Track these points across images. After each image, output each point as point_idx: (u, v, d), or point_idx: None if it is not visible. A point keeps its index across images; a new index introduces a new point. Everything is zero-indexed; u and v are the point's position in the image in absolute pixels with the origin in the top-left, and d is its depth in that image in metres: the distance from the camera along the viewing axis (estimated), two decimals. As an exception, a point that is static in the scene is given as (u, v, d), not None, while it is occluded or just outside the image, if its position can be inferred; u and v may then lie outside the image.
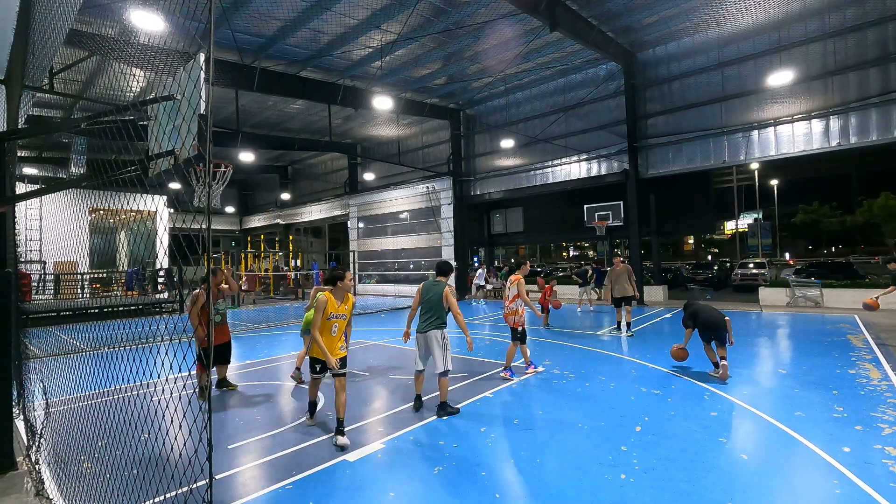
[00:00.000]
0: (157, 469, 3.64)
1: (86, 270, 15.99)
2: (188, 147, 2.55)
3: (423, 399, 5.65)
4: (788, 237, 54.53)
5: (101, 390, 3.83)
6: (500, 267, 27.15)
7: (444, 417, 5.25)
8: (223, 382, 6.62)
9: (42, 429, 4.48)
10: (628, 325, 10.31)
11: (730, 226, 57.80)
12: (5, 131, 4.34)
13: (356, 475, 3.89)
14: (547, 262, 53.91)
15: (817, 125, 13.82)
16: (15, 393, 4.48)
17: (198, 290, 6.15)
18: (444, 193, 22.09)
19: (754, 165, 31.94)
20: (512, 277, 6.97)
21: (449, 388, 5.55)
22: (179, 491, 3.21)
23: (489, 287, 20.61)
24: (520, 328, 6.90)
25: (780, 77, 13.47)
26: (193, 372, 5.61)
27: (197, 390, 5.84)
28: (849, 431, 4.51)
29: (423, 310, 5.46)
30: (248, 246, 37.87)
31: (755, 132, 14.81)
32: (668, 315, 13.54)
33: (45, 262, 16.68)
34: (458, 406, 5.56)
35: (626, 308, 10.46)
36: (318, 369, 4.91)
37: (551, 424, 4.96)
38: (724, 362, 6.52)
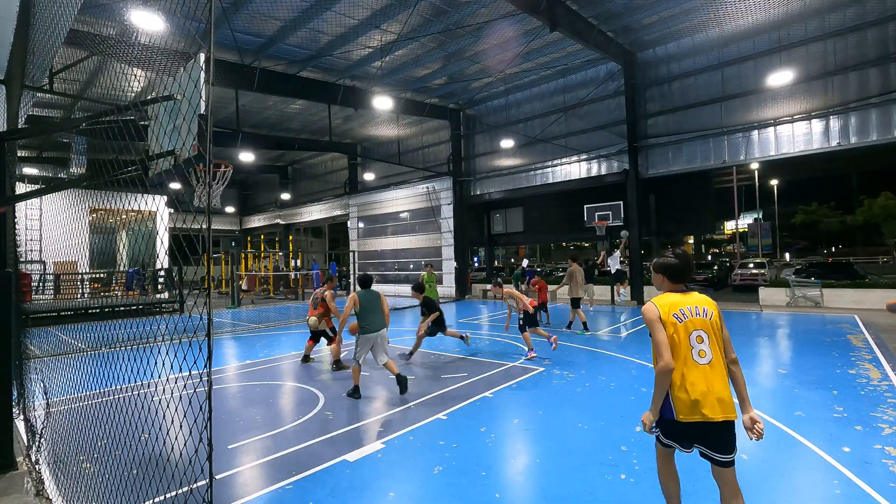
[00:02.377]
0: (157, 469, 3.64)
1: (86, 270, 15.99)
2: (188, 147, 2.55)
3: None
4: (789, 237, 54.49)
5: (101, 390, 3.83)
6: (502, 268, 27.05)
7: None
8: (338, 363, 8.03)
9: (42, 429, 4.47)
10: (584, 324, 11.04)
11: (730, 226, 57.80)
12: (5, 131, 4.34)
13: (356, 475, 3.89)
14: (545, 263, 53.87)
15: (817, 125, 13.83)
16: (15, 393, 4.47)
17: (327, 291, 8.21)
18: (444, 193, 22.08)
19: (754, 165, 31.93)
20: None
21: (454, 385, 5.53)
22: (179, 491, 3.21)
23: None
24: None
25: (780, 77, 13.48)
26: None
27: (333, 363, 7.93)
28: (849, 431, 4.51)
29: (370, 312, 6.14)
30: (248, 246, 37.85)
31: (755, 132, 14.81)
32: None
33: (45, 262, 16.67)
34: (460, 405, 5.57)
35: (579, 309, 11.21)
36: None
37: (551, 424, 4.96)
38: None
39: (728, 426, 2.62)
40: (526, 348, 8.31)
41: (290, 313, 16.62)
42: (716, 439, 2.61)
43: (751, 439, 2.65)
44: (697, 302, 2.69)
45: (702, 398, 2.56)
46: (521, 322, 8.36)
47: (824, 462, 3.90)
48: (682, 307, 2.66)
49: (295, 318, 14.88)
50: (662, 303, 2.72)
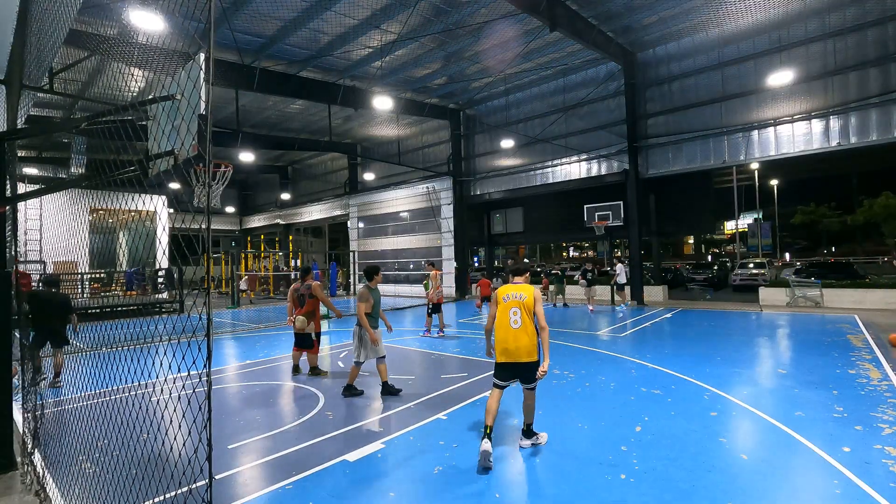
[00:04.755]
0: (157, 469, 3.64)
1: (86, 270, 16.00)
2: (188, 147, 2.55)
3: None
4: (788, 237, 54.46)
5: (101, 390, 3.83)
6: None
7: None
8: (315, 370, 7.53)
9: (42, 429, 4.47)
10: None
11: (730, 226, 57.78)
12: (5, 131, 4.34)
13: (356, 475, 3.89)
14: (546, 263, 53.88)
15: (817, 125, 13.82)
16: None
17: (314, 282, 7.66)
18: (444, 193, 22.08)
19: (754, 165, 31.94)
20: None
21: (454, 385, 5.52)
22: (179, 491, 3.21)
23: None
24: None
25: (780, 77, 13.46)
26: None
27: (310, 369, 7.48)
28: (849, 431, 4.51)
29: (377, 306, 6.28)
30: (248, 246, 37.85)
31: (755, 132, 14.81)
32: (668, 315, 13.54)
33: (45, 262, 16.68)
34: (460, 405, 5.56)
35: None
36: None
37: (551, 424, 4.95)
38: None
39: (531, 365, 4.13)
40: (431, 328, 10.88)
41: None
42: (525, 373, 4.18)
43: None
44: (519, 290, 4.25)
45: (511, 348, 4.12)
46: (429, 308, 10.70)
47: (824, 462, 3.90)
48: (509, 293, 4.25)
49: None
50: (501, 290, 4.33)
